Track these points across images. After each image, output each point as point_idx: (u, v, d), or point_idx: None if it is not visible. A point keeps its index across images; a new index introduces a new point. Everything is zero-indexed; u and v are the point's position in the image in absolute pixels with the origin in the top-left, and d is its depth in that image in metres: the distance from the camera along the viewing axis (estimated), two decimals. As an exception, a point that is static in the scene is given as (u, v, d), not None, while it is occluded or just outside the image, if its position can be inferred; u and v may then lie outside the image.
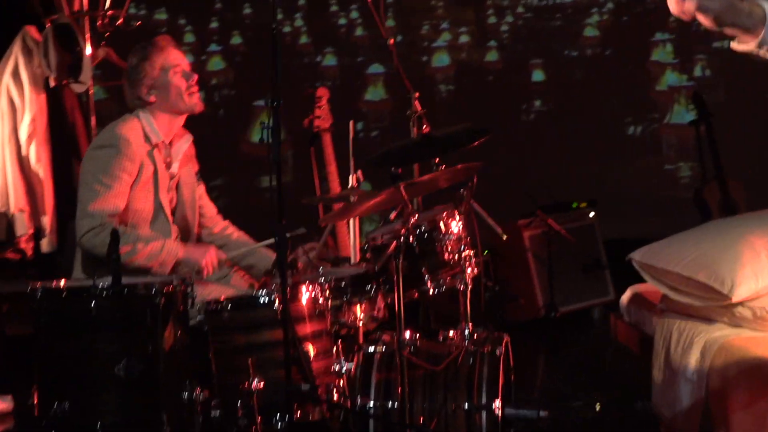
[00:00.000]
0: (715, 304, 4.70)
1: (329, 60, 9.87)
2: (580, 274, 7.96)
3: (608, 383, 6.19)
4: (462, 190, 4.92)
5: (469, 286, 4.63)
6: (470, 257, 4.64)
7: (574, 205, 8.22)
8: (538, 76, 9.82)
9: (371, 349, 4.64)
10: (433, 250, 4.66)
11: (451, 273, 4.68)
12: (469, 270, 4.67)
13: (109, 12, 6.41)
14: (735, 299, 4.55)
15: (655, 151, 9.72)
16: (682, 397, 4.72)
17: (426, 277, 4.65)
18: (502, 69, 9.83)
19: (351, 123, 5.78)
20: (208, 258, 4.82)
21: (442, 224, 4.68)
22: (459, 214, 4.75)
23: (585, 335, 7.75)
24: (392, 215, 5.13)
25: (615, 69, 9.74)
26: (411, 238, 4.53)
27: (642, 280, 5.66)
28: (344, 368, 4.40)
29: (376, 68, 9.83)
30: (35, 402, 4.05)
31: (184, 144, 5.11)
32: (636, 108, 9.74)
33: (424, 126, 5.32)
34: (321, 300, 4.41)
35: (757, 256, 4.59)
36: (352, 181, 5.42)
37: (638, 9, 9.74)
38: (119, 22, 6.42)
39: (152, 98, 4.97)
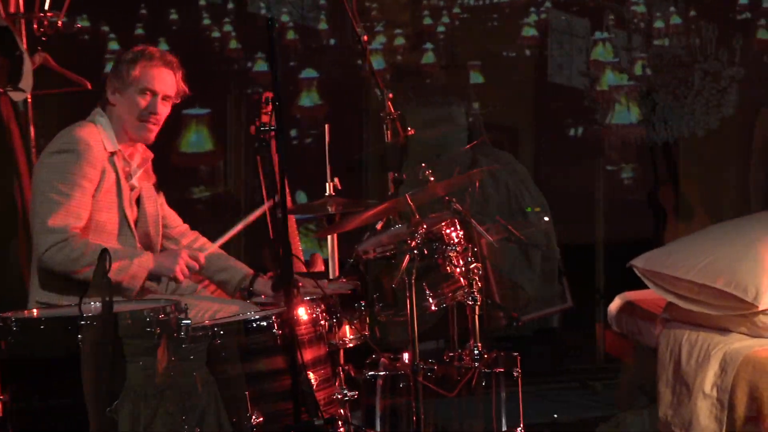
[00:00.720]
0: (734, 313, 4.46)
1: (260, 65, 9.45)
2: (538, 281, 7.68)
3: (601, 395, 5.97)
4: (454, 198, 4.59)
5: (479, 301, 4.27)
6: (478, 270, 4.28)
7: (528, 209, 7.95)
8: (476, 78, 9.52)
9: (371, 373, 4.28)
10: (434, 263, 4.31)
11: (453, 287, 4.33)
12: (473, 283, 4.33)
13: (49, 14, 5.95)
14: (762, 307, 4.31)
15: (597, 153, 9.47)
16: (700, 414, 4.47)
17: (427, 293, 4.29)
18: (439, 71, 9.51)
19: (327, 127, 5.38)
20: (181, 264, 4.38)
21: (443, 235, 4.33)
22: (459, 223, 4.40)
23: (551, 345, 7.48)
24: (378, 225, 4.73)
25: (554, 69, 9.48)
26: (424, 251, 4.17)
27: (608, 290, 5.40)
28: (348, 396, 4.03)
29: (308, 73, 9.44)
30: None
31: (144, 162, 4.70)
32: (576, 109, 9.48)
33: (409, 129, 4.95)
34: (322, 321, 4.04)
35: (779, 260, 4.37)
36: (329, 189, 5.03)
37: (576, 8, 9.49)
38: (59, 25, 5.97)
39: (113, 101, 4.59)
